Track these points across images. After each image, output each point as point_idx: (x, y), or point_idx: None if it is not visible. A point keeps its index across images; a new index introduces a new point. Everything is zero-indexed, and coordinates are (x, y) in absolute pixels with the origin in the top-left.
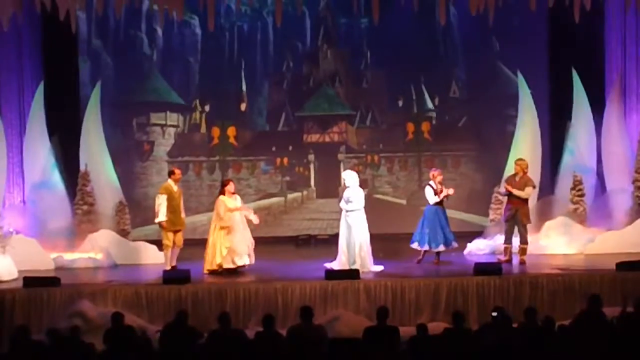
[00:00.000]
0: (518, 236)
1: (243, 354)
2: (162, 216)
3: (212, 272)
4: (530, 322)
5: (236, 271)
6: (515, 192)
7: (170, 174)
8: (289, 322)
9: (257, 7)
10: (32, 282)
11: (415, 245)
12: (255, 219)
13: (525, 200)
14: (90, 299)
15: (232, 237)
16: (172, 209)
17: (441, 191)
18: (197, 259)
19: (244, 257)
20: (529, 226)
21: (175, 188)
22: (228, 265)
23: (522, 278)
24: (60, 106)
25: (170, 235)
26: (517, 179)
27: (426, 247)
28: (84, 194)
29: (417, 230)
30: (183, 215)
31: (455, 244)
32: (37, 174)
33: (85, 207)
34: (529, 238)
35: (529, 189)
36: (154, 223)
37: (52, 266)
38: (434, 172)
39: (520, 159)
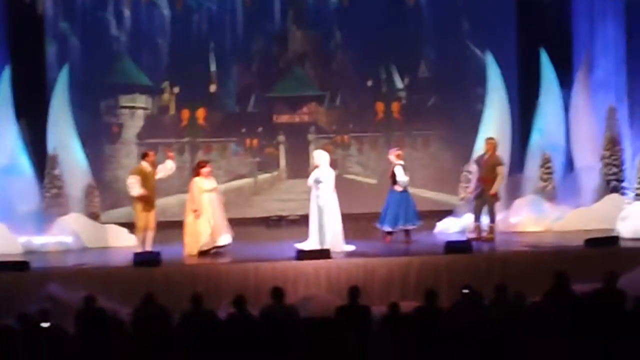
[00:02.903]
0: (488, 214)
1: (215, 334)
2: (136, 190)
3: (194, 255)
4: (500, 299)
5: (209, 252)
6: (494, 188)
7: (144, 156)
8: (261, 302)
9: None
10: (1, 266)
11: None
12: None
13: (494, 178)
14: (60, 282)
15: (208, 220)
16: (146, 189)
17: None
18: (167, 241)
19: (224, 236)
20: (498, 204)
21: (149, 169)
22: (208, 247)
23: (493, 256)
24: (27, 89)
25: (144, 216)
26: (485, 157)
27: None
28: (52, 178)
29: None
30: None
31: (397, 226)
32: (5, 157)
33: (54, 191)
34: (499, 216)
35: (499, 169)
36: (124, 205)
37: (21, 250)
38: (399, 152)
39: (491, 138)
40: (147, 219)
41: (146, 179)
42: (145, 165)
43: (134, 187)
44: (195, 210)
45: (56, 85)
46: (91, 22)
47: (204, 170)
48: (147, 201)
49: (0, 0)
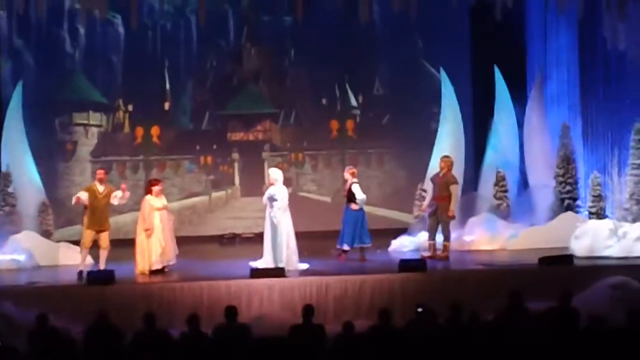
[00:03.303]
0: (442, 233)
1: (168, 353)
2: (75, 199)
3: (145, 274)
4: (455, 318)
5: (163, 270)
6: (450, 209)
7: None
8: (214, 321)
9: (180, 6)
10: None
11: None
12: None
13: (448, 197)
14: (13, 301)
15: (159, 239)
16: (93, 208)
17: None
18: (121, 259)
19: (173, 255)
20: (453, 222)
21: (100, 188)
22: (159, 265)
23: (447, 274)
24: None
25: (88, 233)
26: (440, 175)
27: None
28: (5, 195)
29: None
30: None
31: (354, 245)
32: None
33: (7, 208)
34: (454, 234)
35: (453, 188)
36: (77, 223)
37: None
38: (354, 170)
39: (446, 156)
40: (98, 238)
41: (94, 198)
42: (96, 183)
43: (78, 196)
44: (147, 229)
45: (10, 102)
46: (46, 39)
47: (155, 188)
48: (91, 218)
49: None
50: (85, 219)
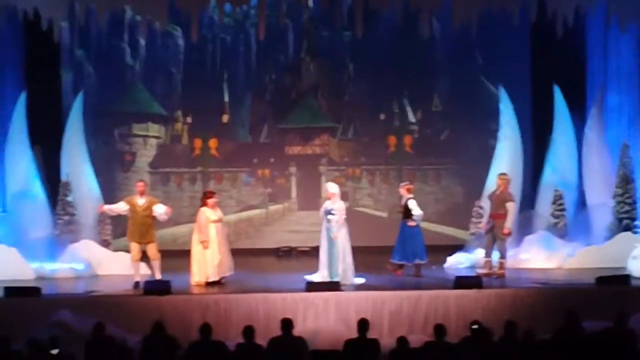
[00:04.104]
0: (498, 250)
1: None
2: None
3: (201, 285)
4: (510, 336)
5: (220, 282)
6: (506, 226)
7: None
8: (270, 333)
9: (240, 19)
10: (13, 292)
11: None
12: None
13: (504, 214)
14: (71, 309)
15: (216, 251)
16: (133, 220)
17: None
18: (178, 270)
19: (229, 267)
20: (509, 240)
21: (140, 202)
22: (215, 278)
23: (503, 292)
24: (42, 116)
25: (135, 246)
26: (497, 192)
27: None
28: (65, 204)
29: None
30: None
31: (410, 261)
32: (19, 183)
33: (66, 217)
34: (510, 252)
35: (509, 205)
36: None
37: (33, 276)
38: (409, 186)
39: (503, 174)
40: (147, 250)
41: (134, 210)
42: (137, 197)
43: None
44: (203, 241)
45: (71, 112)
46: (106, 50)
47: (211, 200)
48: (132, 230)
49: (18, 27)
50: (128, 231)
